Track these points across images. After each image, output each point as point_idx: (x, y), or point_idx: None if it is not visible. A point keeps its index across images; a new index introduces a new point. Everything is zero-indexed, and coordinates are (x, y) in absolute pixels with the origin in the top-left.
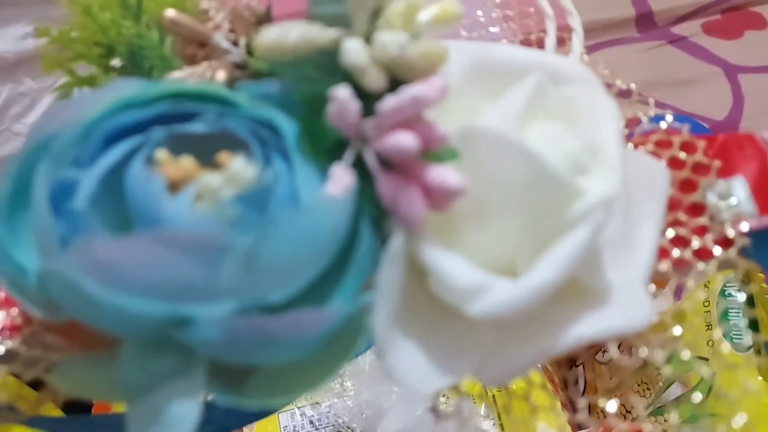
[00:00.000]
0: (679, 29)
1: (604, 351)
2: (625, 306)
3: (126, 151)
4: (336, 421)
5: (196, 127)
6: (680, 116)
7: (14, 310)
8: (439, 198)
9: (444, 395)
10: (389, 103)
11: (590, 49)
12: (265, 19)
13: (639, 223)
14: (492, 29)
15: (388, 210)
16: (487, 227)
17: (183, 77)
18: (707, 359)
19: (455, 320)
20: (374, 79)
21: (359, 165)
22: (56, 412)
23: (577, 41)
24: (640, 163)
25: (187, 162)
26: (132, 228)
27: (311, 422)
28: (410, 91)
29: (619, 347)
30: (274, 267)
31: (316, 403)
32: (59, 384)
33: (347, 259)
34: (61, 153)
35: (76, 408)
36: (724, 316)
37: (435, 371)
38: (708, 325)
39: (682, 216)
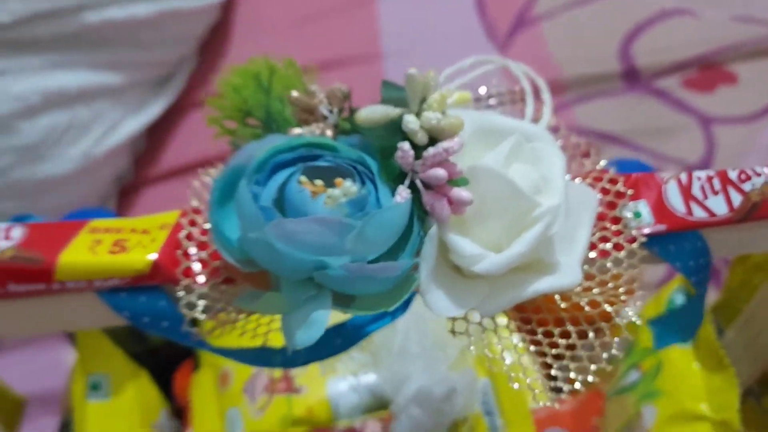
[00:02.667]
0: (659, 83)
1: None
2: (566, 274)
3: (285, 177)
4: (371, 385)
5: (321, 163)
6: (628, 160)
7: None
8: (457, 206)
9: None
10: (430, 152)
11: (580, 99)
12: (348, 96)
13: (578, 226)
14: (491, 101)
15: (428, 212)
16: (484, 223)
17: (301, 133)
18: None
19: (465, 277)
20: (421, 138)
21: (413, 186)
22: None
23: (547, 110)
24: (580, 190)
25: (318, 182)
26: (287, 216)
27: (351, 386)
28: (442, 145)
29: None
30: (371, 239)
31: (355, 373)
32: (247, 306)
33: (407, 238)
34: (250, 176)
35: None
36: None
37: (453, 305)
38: None
39: (606, 224)
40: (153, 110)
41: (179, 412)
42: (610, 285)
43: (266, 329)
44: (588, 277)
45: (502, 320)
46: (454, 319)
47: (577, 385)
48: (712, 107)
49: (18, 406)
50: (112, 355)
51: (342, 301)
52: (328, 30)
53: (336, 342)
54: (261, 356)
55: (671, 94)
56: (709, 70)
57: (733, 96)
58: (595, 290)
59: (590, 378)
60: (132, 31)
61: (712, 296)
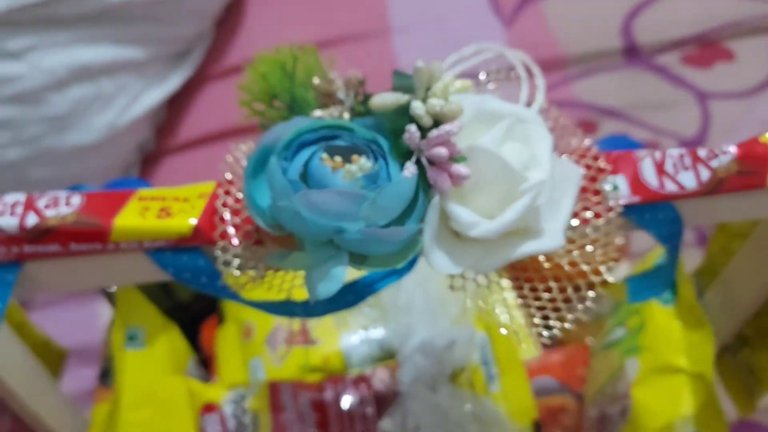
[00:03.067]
0: (659, 59)
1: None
2: (550, 239)
3: (309, 154)
4: (379, 338)
5: (339, 142)
6: (617, 137)
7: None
8: (456, 180)
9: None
10: (433, 133)
11: (582, 75)
12: (363, 83)
13: (562, 197)
14: (490, 86)
15: (431, 185)
16: (480, 195)
17: (321, 116)
18: (640, 309)
19: (462, 240)
20: (426, 122)
21: (418, 163)
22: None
23: (540, 95)
24: (566, 165)
25: (337, 159)
26: (310, 188)
27: (362, 339)
28: (444, 128)
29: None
30: (382, 208)
31: (366, 328)
32: (276, 264)
33: (413, 207)
34: (279, 153)
35: None
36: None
37: (452, 264)
38: None
39: (588, 195)
40: (173, 83)
41: (205, 362)
42: (588, 248)
43: (290, 285)
44: (570, 241)
45: (495, 278)
46: (452, 277)
47: (556, 332)
48: (709, 83)
49: (60, 357)
50: (146, 310)
51: (357, 259)
52: (339, 5)
53: (349, 297)
54: (285, 308)
55: (670, 70)
56: (707, 47)
57: (729, 72)
58: (575, 252)
59: (567, 325)
60: (152, 8)
61: (696, 261)
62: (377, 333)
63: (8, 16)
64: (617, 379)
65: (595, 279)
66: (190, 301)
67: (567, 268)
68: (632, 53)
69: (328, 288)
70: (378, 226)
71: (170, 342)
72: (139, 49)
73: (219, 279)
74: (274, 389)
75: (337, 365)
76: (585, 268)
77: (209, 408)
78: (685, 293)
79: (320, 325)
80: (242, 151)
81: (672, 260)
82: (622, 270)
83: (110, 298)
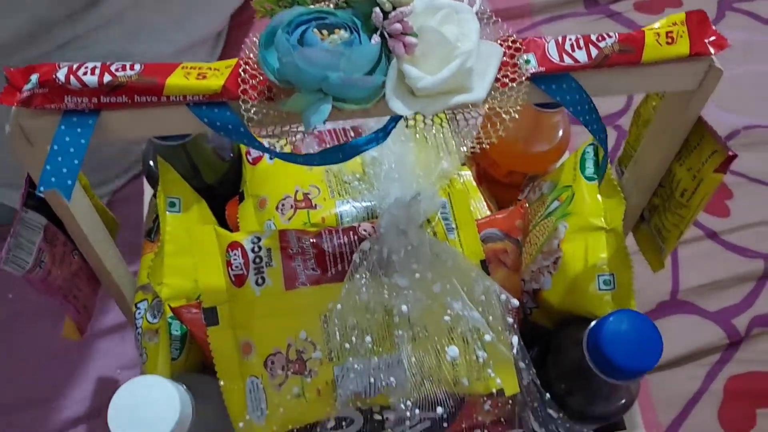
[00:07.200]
0: (615, 6)
1: (528, 191)
2: (477, 94)
3: (304, 29)
4: (366, 205)
5: (326, 21)
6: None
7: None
8: (408, 48)
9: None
10: (393, 14)
11: (547, 21)
12: None
13: (487, 67)
14: None
15: (391, 51)
16: (426, 60)
17: (315, 8)
18: (571, 185)
19: (414, 94)
20: (388, 7)
21: (383, 36)
22: None
23: (478, 1)
24: (492, 46)
25: (325, 32)
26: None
27: (352, 206)
28: (400, 9)
29: (527, 190)
30: (355, 62)
31: (355, 197)
32: (283, 106)
33: (378, 65)
34: (284, 28)
35: None
36: (582, 162)
37: (406, 108)
38: (574, 168)
39: (507, 68)
40: None
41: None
42: (503, 101)
43: (292, 148)
44: (492, 98)
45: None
46: (406, 118)
47: (477, 149)
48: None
49: (113, 223)
50: (182, 185)
51: (338, 101)
52: None
53: (339, 155)
54: (289, 157)
55: (623, 15)
56: None
57: None
58: (496, 103)
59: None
60: None
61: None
62: (365, 202)
63: None
64: (552, 238)
65: (505, 117)
66: (215, 185)
67: (487, 110)
68: (592, 1)
69: (317, 119)
70: (353, 75)
71: (200, 211)
72: None
73: (241, 127)
74: (282, 233)
75: (332, 222)
76: (499, 110)
77: (234, 246)
78: (607, 174)
79: (320, 196)
80: (257, 37)
81: (590, 126)
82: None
83: (151, 181)
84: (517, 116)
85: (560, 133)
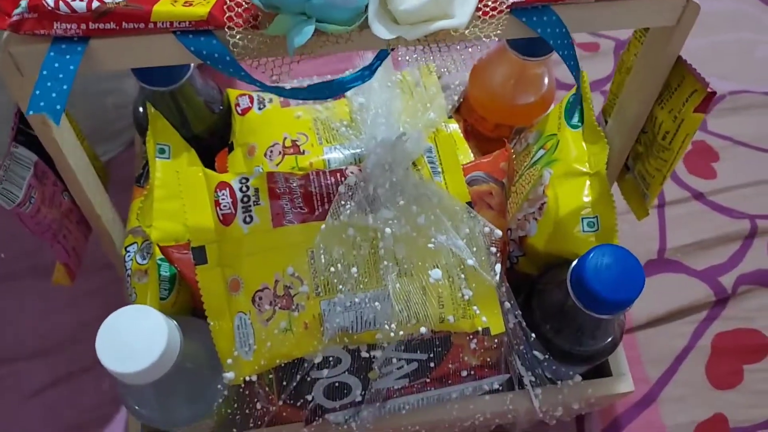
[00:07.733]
0: None
1: (515, 143)
2: (459, 21)
3: None
4: (354, 151)
5: None
6: None
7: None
8: None
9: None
10: None
11: None
12: None
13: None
14: None
15: None
16: None
17: None
18: (556, 133)
19: (397, 21)
20: None
21: None
22: None
23: None
24: None
25: None
26: None
27: (340, 152)
28: None
29: (514, 142)
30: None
31: (343, 144)
32: (268, 30)
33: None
34: None
35: None
36: (567, 111)
37: (388, 32)
38: (559, 117)
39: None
40: None
41: None
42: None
43: (278, 79)
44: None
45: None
46: (389, 41)
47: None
48: None
49: (104, 171)
50: (171, 133)
51: (321, 23)
52: None
53: (326, 91)
54: (276, 90)
55: None
56: None
57: None
58: (477, 30)
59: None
60: None
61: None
62: (352, 148)
63: None
64: (537, 185)
65: (486, 41)
66: (204, 136)
67: (467, 33)
68: None
69: (300, 39)
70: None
71: (189, 158)
72: None
73: (227, 56)
74: (270, 174)
75: (320, 167)
76: (480, 34)
77: (222, 186)
78: (589, 119)
79: (308, 142)
80: None
81: (569, 62)
82: (550, 109)
83: (140, 129)
84: (497, 40)
85: (545, 82)
